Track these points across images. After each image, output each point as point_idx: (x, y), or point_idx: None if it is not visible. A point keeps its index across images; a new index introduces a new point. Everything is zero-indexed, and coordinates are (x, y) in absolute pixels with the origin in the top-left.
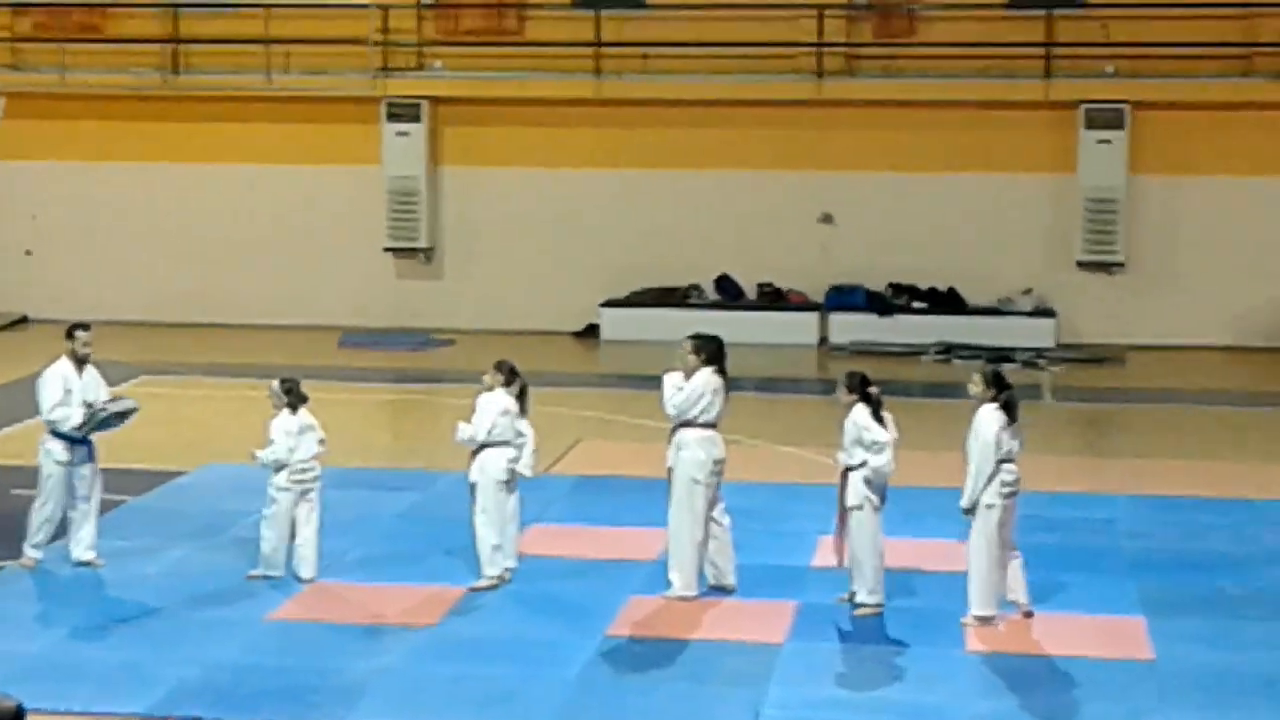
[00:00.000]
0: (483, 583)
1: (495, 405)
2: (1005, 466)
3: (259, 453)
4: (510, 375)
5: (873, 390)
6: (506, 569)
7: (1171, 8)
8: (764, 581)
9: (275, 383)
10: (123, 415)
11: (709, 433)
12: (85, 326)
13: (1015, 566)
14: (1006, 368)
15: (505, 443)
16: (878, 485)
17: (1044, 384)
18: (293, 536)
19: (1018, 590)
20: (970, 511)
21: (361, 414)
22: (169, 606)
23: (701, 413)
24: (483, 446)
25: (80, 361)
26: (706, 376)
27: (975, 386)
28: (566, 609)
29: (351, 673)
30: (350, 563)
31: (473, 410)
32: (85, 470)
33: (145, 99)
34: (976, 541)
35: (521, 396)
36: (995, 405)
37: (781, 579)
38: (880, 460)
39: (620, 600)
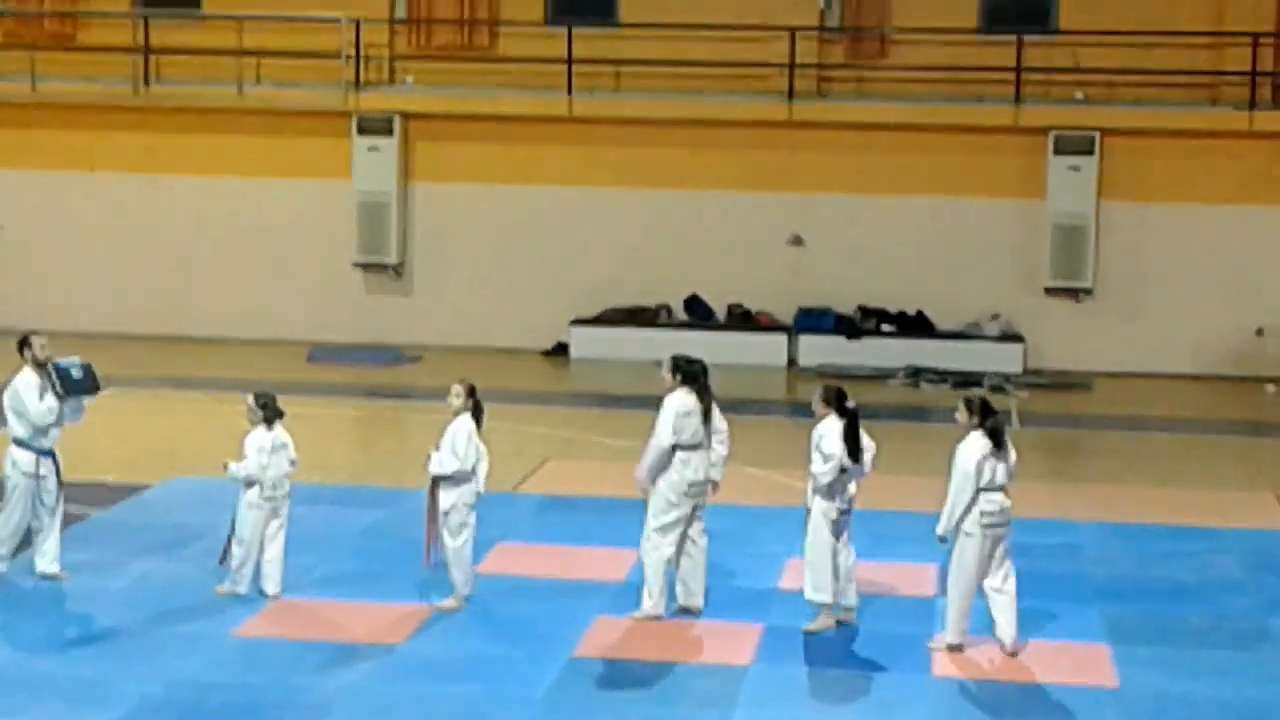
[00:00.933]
0: (449, 602)
1: (469, 431)
2: (987, 496)
3: (232, 465)
4: (470, 394)
5: (850, 405)
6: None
7: (1141, 35)
8: (731, 603)
9: (250, 397)
10: (87, 374)
11: (686, 454)
12: (37, 332)
13: (1003, 603)
14: (975, 392)
15: (473, 467)
16: (820, 490)
17: (1011, 409)
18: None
19: (1004, 627)
20: (944, 539)
21: (329, 429)
22: (133, 621)
23: (679, 435)
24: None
25: (41, 366)
26: (679, 399)
27: (960, 413)
28: (533, 629)
29: (317, 691)
30: (316, 579)
31: (442, 435)
32: (50, 483)
33: (116, 109)
34: (954, 569)
35: (478, 415)
36: (980, 433)
37: (749, 601)
38: (821, 468)
39: (587, 621)
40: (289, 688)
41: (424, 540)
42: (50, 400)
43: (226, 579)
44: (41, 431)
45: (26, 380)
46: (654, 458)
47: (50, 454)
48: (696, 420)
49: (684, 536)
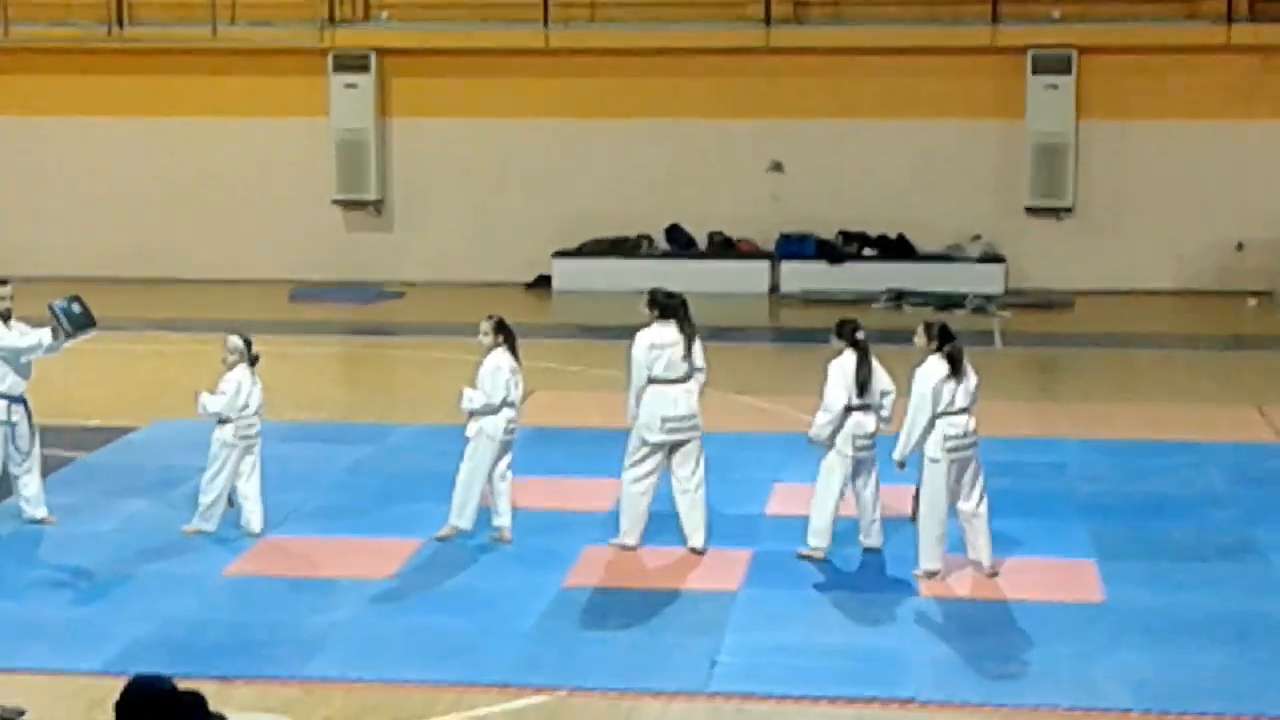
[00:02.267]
0: (445, 530)
1: (503, 367)
2: (948, 420)
3: (204, 396)
4: (499, 329)
5: (860, 337)
6: (502, 527)
7: None
8: (718, 530)
9: (235, 338)
10: (84, 309)
11: (662, 388)
12: (4, 281)
13: (978, 526)
14: (957, 314)
15: (508, 404)
16: (816, 438)
17: (994, 329)
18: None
19: (980, 550)
20: (903, 465)
21: (313, 367)
22: (123, 563)
23: (651, 368)
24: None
25: (4, 317)
26: (652, 333)
27: (919, 338)
28: (522, 560)
29: (308, 626)
30: (304, 516)
31: (476, 370)
32: (23, 428)
33: (89, 52)
34: (923, 496)
35: (512, 345)
36: (938, 356)
37: (736, 527)
38: (819, 421)
39: (576, 551)
40: (280, 624)
41: None
42: (39, 336)
43: (195, 516)
44: (18, 373)
45: None
46: (633, 394)
47: (21, 400)
48: (671, 354)
49: (675, 477)
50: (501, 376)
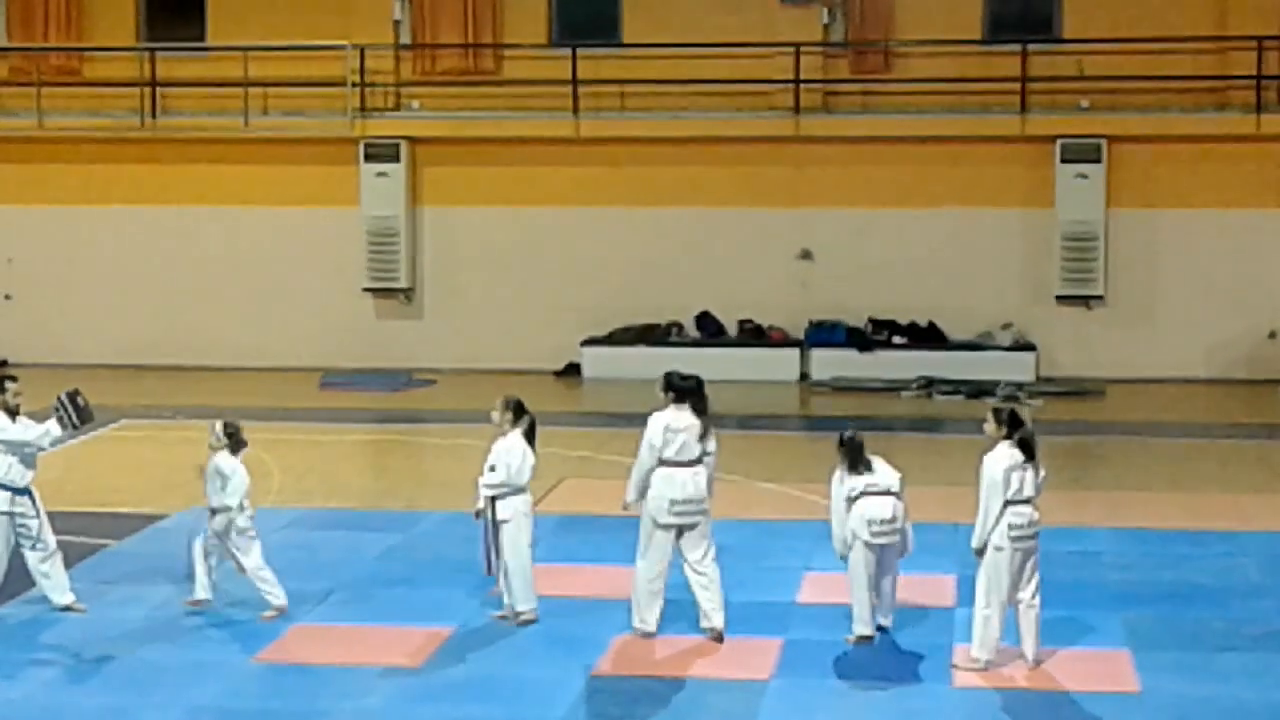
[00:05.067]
0: (527, 614)
1: (518, 448)
2: (1014, 509)
3: (231, 501)
4: (519, 412)
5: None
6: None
7: (1146, 42)
8: (749, 618)
9: (219, 424)
10: (87, 402)
11: (671, 471)
12: (14, 378)
13: (1031, 618)
14: (988, 401)
15: (524, 485)
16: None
17: (1025, 418)
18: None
19: (1028, 641)
20: (981, 552)
21: (343, 454)
22: (152, 649)
23: (664, 451)
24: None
25: (13, 413)
26: (666, 415)
27: (989, 424)
28: (552, 648)
29: (337, 714)
30: (333, 604)
31: (486, 454)
32: (30, 517)
33: (123, 142)
34: (984, 583)
35: (530, 432)
36: (1009, 444)
37: (767, 615)
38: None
39: (606, 639)
40: (309, 712)
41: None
42: (38, 429)
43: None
44: (24, 463)
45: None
46: (637, 477)
47: (26, 491)
48: (686, 437)
49: (686, 561)
50: (527, 459)
